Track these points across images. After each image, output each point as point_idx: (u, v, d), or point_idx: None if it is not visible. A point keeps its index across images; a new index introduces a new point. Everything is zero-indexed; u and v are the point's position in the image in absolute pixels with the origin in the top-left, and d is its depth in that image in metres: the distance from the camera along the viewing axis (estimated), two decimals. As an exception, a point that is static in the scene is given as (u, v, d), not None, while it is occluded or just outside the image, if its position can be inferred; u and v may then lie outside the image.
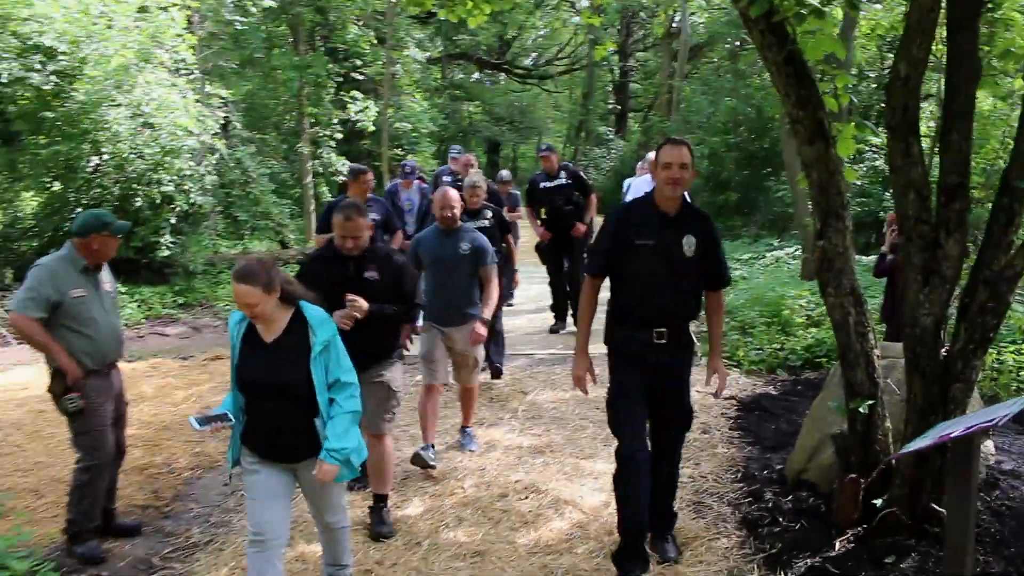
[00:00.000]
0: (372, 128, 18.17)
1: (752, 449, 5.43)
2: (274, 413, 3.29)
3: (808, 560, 3.77)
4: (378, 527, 4.34)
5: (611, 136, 26.03)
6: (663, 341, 3.76)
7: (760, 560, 3.92)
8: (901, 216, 3.83)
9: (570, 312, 8.94)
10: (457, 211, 5.38)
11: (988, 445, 4.91)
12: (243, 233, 15.02)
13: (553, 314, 9.13)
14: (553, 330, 9.00)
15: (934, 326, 3.78)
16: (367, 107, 17.63)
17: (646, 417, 3.85)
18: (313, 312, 3.34)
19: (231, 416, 3.29)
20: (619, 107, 28.35)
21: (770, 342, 7.94)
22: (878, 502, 3.89)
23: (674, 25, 19.06)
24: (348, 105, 17.74)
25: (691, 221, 3.81)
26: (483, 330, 5.29)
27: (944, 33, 3.75)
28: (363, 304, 4.15)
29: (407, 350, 5.25)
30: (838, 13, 3.84)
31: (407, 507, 4.68)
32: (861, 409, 3.99)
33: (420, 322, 5.86)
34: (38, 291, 4.10)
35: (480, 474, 5.11)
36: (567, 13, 22.97)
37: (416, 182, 9.28)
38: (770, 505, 4.42)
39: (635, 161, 13.12)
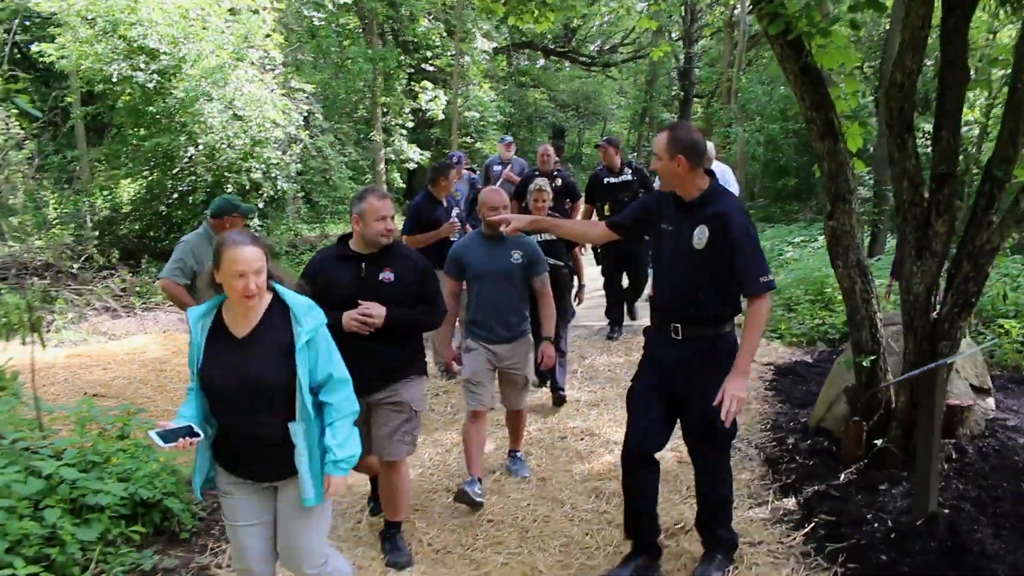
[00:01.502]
0: (442, 117, 19.15)
1: (783, 406, 6.16)
2: (250, 422, 2.84)
3: (815, 487, 4.53)
4: (393, 556, 3.99)
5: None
6: (678, 338, 3.56)
7: (776, 488, 4.70)
8: (898, 200, 4.54)
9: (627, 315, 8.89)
10: (505, 213, 4.63)
11: (989, 402, 5.57)
12: (322, 217, 16.09)
13: (608, 320, 8.66)
14: (610, 337, 8.48)
15: (925, 293, 4.49)
16: (437, 96, 18.60)
17: (662, 419, 3.66)
18: (295, 298, 2.90)
19: (197, 429, 2.80)
20: (683, 93, 28.77)
21: (812, 317, 8.61)
22: (879, 442, 4.62)
23: (734, 15, 19.52)
24: (419, 95, 18.74)
25: (709, 213, 3.46)
26: (553, 352, 4.89)
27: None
28: (377, 312, 3.73)
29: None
30: (843, 31, 4.52)
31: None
32: (864, 363, 4.72)
33: (457, 340, 5.58)
34: (183, 261, 5.10)
35: (544, 421, 5.96)
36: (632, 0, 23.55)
37: (465, 172, 9.24)
38: (790, 447, 5.18)
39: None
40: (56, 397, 6.86)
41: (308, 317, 2.86)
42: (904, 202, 4.49)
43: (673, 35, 27.59)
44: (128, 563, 3.89)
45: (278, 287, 2.92)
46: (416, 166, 19.13)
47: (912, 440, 4.57)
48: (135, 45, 11.75)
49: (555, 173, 8.10)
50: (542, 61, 32.83)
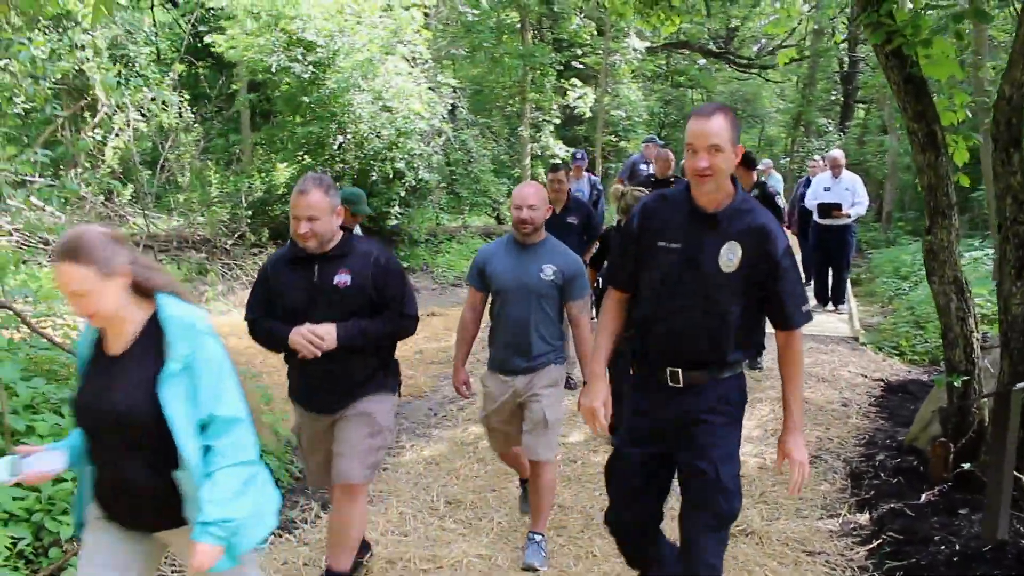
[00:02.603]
0: (589, 114, 19.33)
1: (885, 423, 6.00)
2: (115, 459, 2.32)
3: (892, 505, 4.44)
4: None
5: (829, 128, 25.61)
6: (678, 385, 2.82)
7: (853, 503, 4.64)
8: (1000, 217, 4.38)
9: None
10: (536, 213, 3.81)
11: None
12: (463, 208, 16.60)
13: None
14: None
15: (1024, 315, 4.32)
16: (585, 94, 18.78)
17: (650, 487, 2.96)
18: (173, 311, 2.30)
19: (60, 461, 2.36)
20: (843, 98, 27.69)
21: (939, 336, 8.24)
22: (966, 465, 4.48)
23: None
24: (567, 92, 18.98)
25: (742, 226, 2.74)
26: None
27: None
28: (327, 334, 3.17)
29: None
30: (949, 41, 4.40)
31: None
32: (956, 383, 4.58)
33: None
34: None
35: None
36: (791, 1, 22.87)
37: (586, 174, 9.33)
38: (877, 464, 5.08)
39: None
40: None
41: (183, 337, 2.25)
42: (1007, 219, 4.33)
43: (842, 35, 26.62)
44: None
45: (160, 298, 2.32)
46: (560, 161, 19.40)
47: (1001, 466, 4.42)
48: (294, 38, 12.55)
49: (672, 180, 7.55)
50: (702, 61, 32.42)
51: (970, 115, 5.03)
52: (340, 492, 3.33)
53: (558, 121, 19.30)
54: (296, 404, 3.52)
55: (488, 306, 4.06)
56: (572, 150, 18.87)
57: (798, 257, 9.52)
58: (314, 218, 3.15)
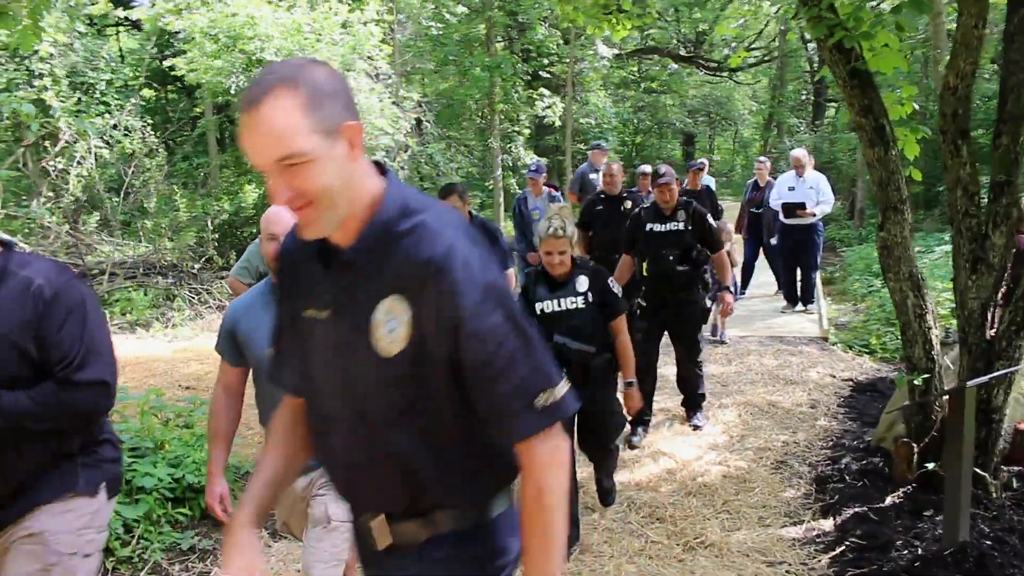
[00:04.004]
0: (559, 123, 19.24)
1: (852, 424, 5.90)
2: None
3: (856, 509, 4.33)
4: None
5: (800, 128, 25.69)
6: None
7: (817, 508, 4.52)
8: (951, 210, 4.30)
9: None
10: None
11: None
12: (434, 223, 16.45)
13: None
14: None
15: (981, 309, 4.23)
16: (553, 104, 18.70)
17: None
18: None
19: None
20: (814, 97, 27.78)
21: (910, 332, 8.17)
22: (930, 465, 4.38)
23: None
24: (536, 102, 18.90)
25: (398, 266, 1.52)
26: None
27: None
28: None
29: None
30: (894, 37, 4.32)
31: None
32: (917, 382, 4.48)
33: None
34: (248, 261, 5.38)
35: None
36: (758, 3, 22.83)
37: (545, 189, 8.56)
38: (843, 467, 4.97)
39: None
40: (153, 388, 7.34)
41: None
42: (959, 212, 4.25)
43: (806, 36, 26.73)
44: (168, 542, 4.16)
45: None
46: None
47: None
48: (253, 59, 12.42)
49: (624, 195, 7.26)
50: (674, 66, 32.47)
51: (920, 108, 4.95)
52: None
53: (528, 132, 19.23)
54: None
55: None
56: (544, 160, 18.87)
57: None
58: None
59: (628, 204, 7.00)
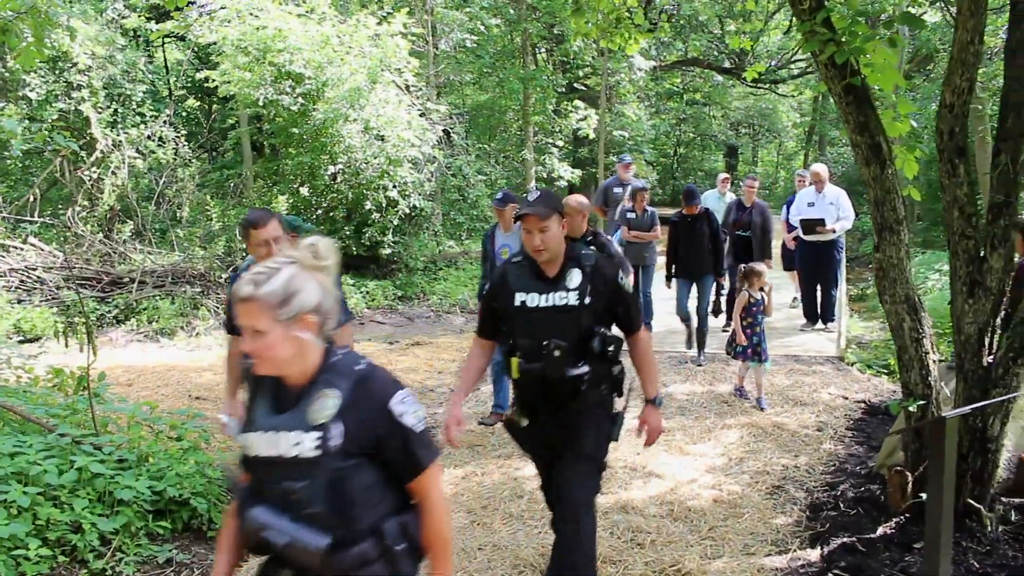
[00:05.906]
0: (592, 136, 19.17)
1: (858, 448, 5.73)
2: None
3: (845, 539, 4.19)
4: None
5: (843, 140, 25.27)
6: None
7: (806, 536, 4.38)
8: (948, 231, 4.15)
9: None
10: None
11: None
12: (459, 234, 16.46)
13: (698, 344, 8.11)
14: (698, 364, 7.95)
15: (978, 334, 4.07)
16: (587, 116, 18.64)
17: None
18: None
19: None
20: (857, 110, 27.32)
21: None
22: (924, 495, 4.21)
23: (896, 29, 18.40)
24: (570, 114, 18.85)
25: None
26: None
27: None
28: None
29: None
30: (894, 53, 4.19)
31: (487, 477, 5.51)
32: (912, 408, 4.33)
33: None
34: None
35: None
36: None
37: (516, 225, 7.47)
38: (839, 494, 4.82)
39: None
40: (164, 398, 7.40)
41: None
42: (955, 233, 4.10)
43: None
44: (145, 555, 4.16)
45: None
46: (567, 184, 19.22)
47: (961, 496, 4.16)
48: (282, 71, 12.57)
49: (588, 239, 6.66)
50: (718, 78, 32.16)
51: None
52: None
53: (561, 144, 19.17)
54: None
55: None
56: (578, 172, 18.73)
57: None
58: None
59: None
